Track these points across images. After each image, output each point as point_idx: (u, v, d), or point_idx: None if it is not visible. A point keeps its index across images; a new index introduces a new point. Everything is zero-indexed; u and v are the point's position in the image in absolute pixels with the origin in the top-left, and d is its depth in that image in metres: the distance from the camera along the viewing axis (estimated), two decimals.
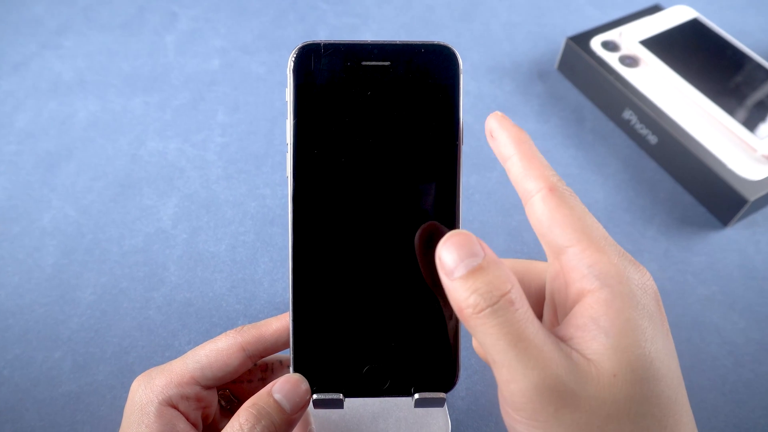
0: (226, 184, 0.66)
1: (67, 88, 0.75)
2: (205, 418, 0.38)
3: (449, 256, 0.27)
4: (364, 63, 0.31)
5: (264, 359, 0.40)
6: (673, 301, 0.58)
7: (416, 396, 0.32)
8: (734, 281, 0.60)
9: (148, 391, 0.36)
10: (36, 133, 0.70)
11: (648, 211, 0.65)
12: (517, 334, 0.25)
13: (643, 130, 0.69)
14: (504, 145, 0.30)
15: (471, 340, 0.37)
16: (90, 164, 0.67)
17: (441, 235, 0.27)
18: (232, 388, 0.41)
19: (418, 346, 0.32)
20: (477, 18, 0.86)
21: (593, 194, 0.66)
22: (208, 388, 0.37)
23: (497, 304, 0.25)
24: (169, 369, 0.36)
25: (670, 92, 0.70)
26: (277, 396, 0.31)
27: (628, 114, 0.70)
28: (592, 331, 0.26)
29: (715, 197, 0.64)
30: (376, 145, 0.31)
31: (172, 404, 0.35)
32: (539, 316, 0.33)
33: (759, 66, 0.71)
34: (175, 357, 0.38)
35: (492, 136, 0.31)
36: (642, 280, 0.28)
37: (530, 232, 0.62)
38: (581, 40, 0.75)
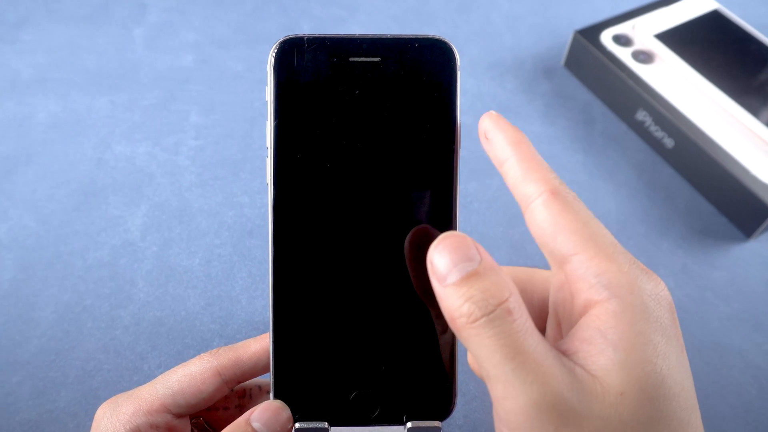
0: (200, 191, 0.66)
1: (25, 86, 0.75)
2: None
3: (442, 260, 0.27)
4: (351, 59, 0.31)
5: (241, 384, 0.40)
6: (692, 320, 0.58)
7: (409, 425, 0.32)
8: (759, 299, 0.60)
9: (114, 420, 0.36)
10: None
11: (664, 221, 0.65)
12: (514, 347, 0.25)
13: (659, 133, 0.70)
14: (500, 148, 0.30)
15: (467, 358, 0.37)
16: (51, 170, 0.67)
17: (433, 240, 0.27)
18: (206, 416, 0.41)
19: (411, 370, 0.32)
20: (476, 9, 0.87)
21: (604, 203, 0.67)
22: (180, 416, 0.37)
23: (493, 314, 0.25)
24: (137, 395, 0.36)
25: (688, 91, 0.70)
26: (255, 425, 0.31)
27: (641, 115, 0.71)
28: (599, 345, 0.26)
29: (737, 206, 0.64)
30: (364, 150, 0.31)
31: None
32: (542, 330, 0.33)
33: None
34: (144, 382, 0.37)
35: (486, 137, 0.31)
36: (655, 290, 0.27)
37: (535, 244, 0.62)
38: (590, 33, 0.76)
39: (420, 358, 0.32)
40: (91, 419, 0.39)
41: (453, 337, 0.32)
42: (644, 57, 0.73)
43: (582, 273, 0.27)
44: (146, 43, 0.80)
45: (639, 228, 0.65)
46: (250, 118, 0.73)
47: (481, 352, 0.26)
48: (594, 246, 0.27)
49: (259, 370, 0.37)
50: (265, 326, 0.56)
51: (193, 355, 0.38)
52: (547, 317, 0.33)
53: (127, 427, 0.35)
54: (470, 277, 0.26)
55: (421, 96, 0.31)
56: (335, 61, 0.31)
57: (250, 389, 0.40)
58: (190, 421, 0.40)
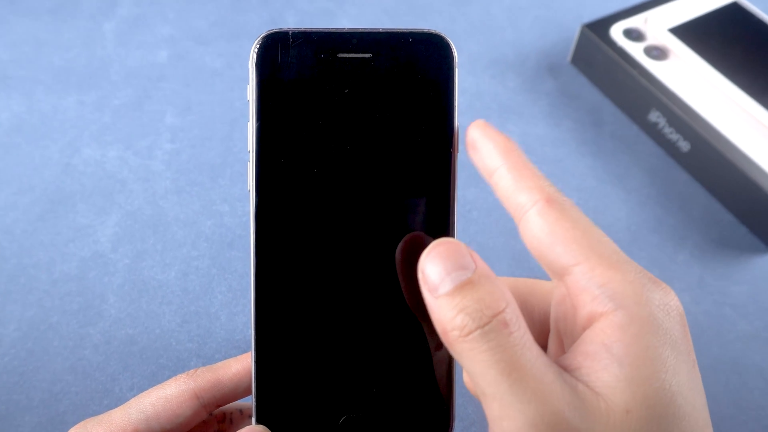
0: (176, 199, 0.66)
1: None
2: None
3: (434, 268, 0.27)
4: (340, 55, 0.31)
5: (221, 408, 0.40)
6: (709, 338, 0.58)
7: None
8: None
9: None
10: None
11: (679, 231, 0.66)
12: (511, 362, 0.25)
13: (673, 135, 0.70)
14: (489, 156, 0.30)
15: (462, 377, 0.37)
16: (13, 175, 0.67)
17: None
18: None
19: (405, 392, 0.32)
20: (475, 1, 0.87)
21: (614, 212, 0.67)
22: None
23: (488, 326, 0.25)
24: (108, 420, 0.36)
25: (705, 89, 0.70)
26: None
27: (655, 116, 0.71)
28: (604, 360, 0.26)
29: (758, 215, 0.64)
30: (354, 154, 0.31)
31: None
32: (543, 346, 0.33)
33: None
34: (116, 405, 0.37)
35: (474, 147, 0.31)
36: (664, 299, 0.27)
37: None
38: (599, 27, 0.76)
39: (414, 378, 0.32)
40: None
41: (449, 356, 0.32)
42: (657, 53, 0.74)
43: (584, 284, 0.27)
44: (117, 38, 0.80)
45: (652, 238, 0.65)
46: (230, 119, 0.73)
47: (475, 368, 0.25)
48: (596, 255, 0.27)
49: (240, 392, 0.37)
50: (246, 345, 0.56)
51: (169, 377, 0.38)
52: (549, 333, 0.33)
53: None
54: (464, 286, 0.26)
55: (415, 95, 0.31)
56: (323, 57, 0.31)
57: (231, 413, 0.40)
58: None
